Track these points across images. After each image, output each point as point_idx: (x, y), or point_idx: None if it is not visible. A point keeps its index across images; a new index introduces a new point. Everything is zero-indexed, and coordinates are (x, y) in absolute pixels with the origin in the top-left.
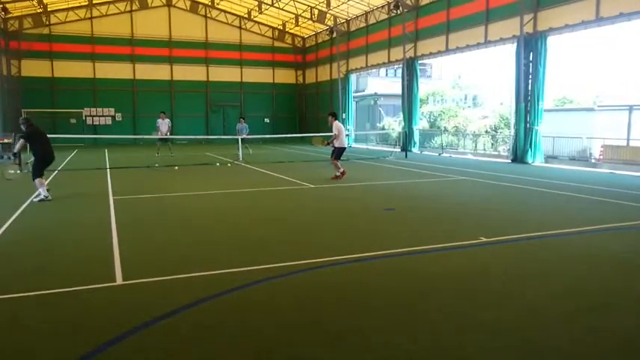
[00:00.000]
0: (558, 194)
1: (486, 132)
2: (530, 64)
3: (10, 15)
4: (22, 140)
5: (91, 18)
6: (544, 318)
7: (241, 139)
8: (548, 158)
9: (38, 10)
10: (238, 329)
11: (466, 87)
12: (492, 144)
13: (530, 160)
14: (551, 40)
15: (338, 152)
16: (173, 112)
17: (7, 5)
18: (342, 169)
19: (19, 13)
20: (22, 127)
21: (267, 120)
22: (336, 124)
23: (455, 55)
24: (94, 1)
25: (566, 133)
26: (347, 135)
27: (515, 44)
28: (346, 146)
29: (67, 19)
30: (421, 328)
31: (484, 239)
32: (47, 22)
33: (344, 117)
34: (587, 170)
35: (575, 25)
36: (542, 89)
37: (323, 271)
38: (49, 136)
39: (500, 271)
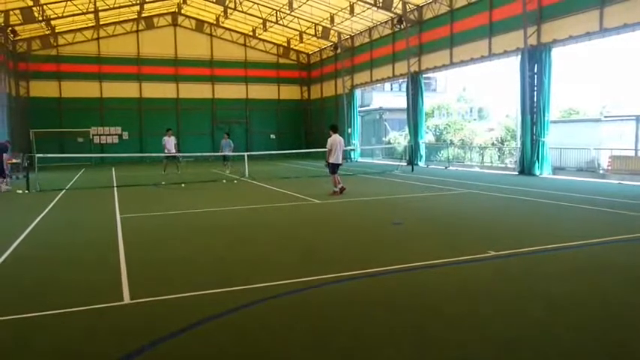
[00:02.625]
0: (567, 206)
1: (493, 144)
2: (535, 76)
3: (19, 37)
4: None
5: (98, 39)
6: (552, 333)
7: (225, 156)
8: (556, 170)
9: (46, 32)
10: (245, 348)
11: (471, 100)
12: (499, 156)
13: (537, 171)
14: (556, 52)
15: (332, 167)
16: (179, 129)
17: (17, 28)
18: (340, 185)
19: (28, 35)
20: None
21: (272, 136)
22: (330, 139)
23: (459, 68)
24: (100, 22)
25: (574, 144)
26: (352, 149)
27: (520, 57)
28: (340, 162)
29: (75, 40)
30: (430, 344)
31: (493, 253)
32: (55, 44)
33: (349, 132)
34: (596, 181)
35: (580, 37)
36: (547, 101)
37: (331, 288)
38: (57, 155)
39: (510, 285)
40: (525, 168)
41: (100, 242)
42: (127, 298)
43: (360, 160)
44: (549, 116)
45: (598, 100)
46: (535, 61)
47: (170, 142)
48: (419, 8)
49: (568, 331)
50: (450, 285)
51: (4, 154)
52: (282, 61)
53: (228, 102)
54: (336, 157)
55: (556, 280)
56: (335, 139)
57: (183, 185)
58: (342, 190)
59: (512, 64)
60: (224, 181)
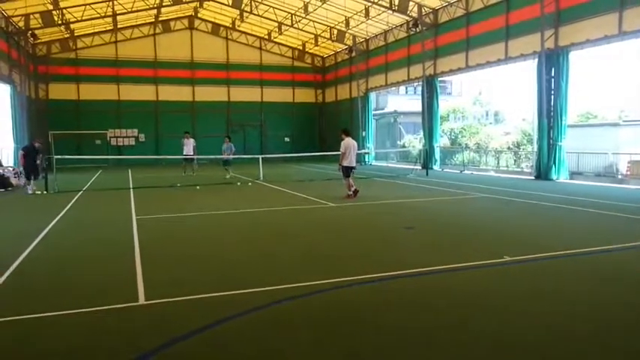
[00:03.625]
0: (584, 211)
1: (509, 148)
2: (552, 79)
3: (38, 40)
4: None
5: (116, 42)
6: (568, 339)
7: (225, 160)
8: (573, 174)
9: (65, 36)
10: (258, 350)
11: (487, 103)
12: (515, 160)
13: (554, 176)
14: (573, 55)
15: (345, 171)
16: (195, 132)
17: (37, 31)
18: (353, 188)
19: (48, 39)
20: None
21: (287, 139)
22: (344, 142)
23: (475, 71)
24: (118, 26)
25: (591, 148)
26: (367, 153)
27: (537, 60)
28: (353, 165)
29: (93, 44)
30: (446, 349)
31: (508, 258)
32: (74, 47)
33: (364, 135)
34: (614, 186)
35: (598, 40)
36: (564, 105)
37: (343, 291)
38: (74, 157)
39: (526, 290)
40: (542, 172)
41: (115, 243)
42: (142, 299)
43: (374, 163)
44: (566, 120)
45: (616, 104)
46: (552, 64)
47: (189, 145)
48: (434, 11)
49: (590, 338)
50: (466, 291)
51: (38, 155)
52: (297, 64)
53: (243, 105)
54: (349, 161)
55: (575, 286)
56: (348, 142)
57: (198, 187)
58: (355, 192)
59: (529, 68)
60: (239, 183)
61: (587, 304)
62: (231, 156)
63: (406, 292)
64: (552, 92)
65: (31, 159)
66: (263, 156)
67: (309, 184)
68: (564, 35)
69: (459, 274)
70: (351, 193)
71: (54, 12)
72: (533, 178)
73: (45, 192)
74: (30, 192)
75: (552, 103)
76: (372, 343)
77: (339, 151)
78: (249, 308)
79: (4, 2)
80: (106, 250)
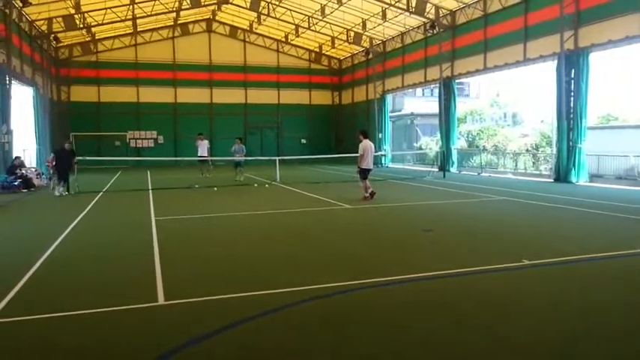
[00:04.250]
0: (605, 215)
1: (527, 151)
2: (572, 81)
3: (61, 44)
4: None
5: (136, 45)
6: (587, 344)
7: (237, 162)
8: (593, 177)
9: (87, 39)
10: (277, 351)
11: (505, 105)
12: (533, 163)
13: (573, 179)
14: (594, 56)
15: (362, 173)
16: (212, 134)
17: (59, 35)
18: (370, 190)
19: (69, 42)
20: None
21: (303, 141)
22: (362, 144)
23: (493, 73)
24: (138, 29)
25: (612, 151)
26: (383, 155)
27: (556, 61)
28: (371, 167)
29: (113, 47)
30: (463, 354)
31: (527, 262)
32: (95, 50)
33: (380, 137)
34: (636, 189)
35: (619, 41)
36: (584, 106)
37: (363, 293)
38: (95, 158)
39: (545, 295)
40: (561, 175)
41: (135, 243)
42: (161, 299)
43: (390, 165)
44: (586, 122)
45: (638, 106)
46: (572, 65)
47: (203, 146)
48: (452, 13)
49: (602, 341)
50: (484, 295)
51: (74, 158)
52: (313, 66)
53: (260, 107)
54: (367, 163)
55: (594, 291)
56: (366, 144)
57: (215, 189)
58: (372, 194)
59: (549, 69)
60: (255, 185)
61: (609, 308)
62: (242, 158)
63: (426, 294)
64: (572, 94)
65: (64, 161)
66: (279, 158)
67: (325, 185)
68: (584, 36)
69: (477, 278)
70: (368, 195)
71: (76, 16)
72: (552, 180)
73: (66, 193)
74: (57, 194)
75: (572, 105)
76: (393, 345)
77: (355, 153)
78: (268, 309)
79: (27, 6)
80: (126, 251)
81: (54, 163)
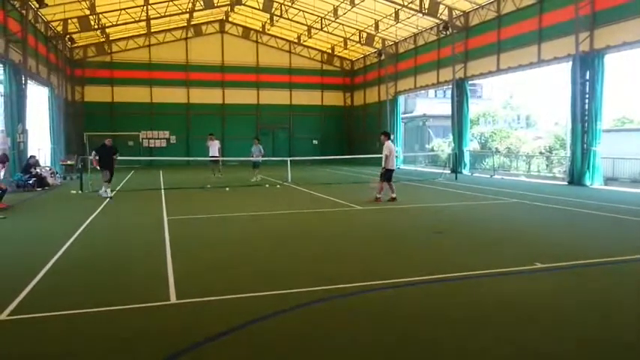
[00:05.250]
0: (619, 218)
1: (540, 153)
2: (587, 83)
3: (75, 45)
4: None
5: (149, 46)
6: (605, 350)
7: (254, 162)
8: (608, 180)
9: (101, 40)
10: (289, 351)
11: (518, 107)
12: (547, 165)
13: (588, 182)
14: (609, 58)
15: (385, 174)
16: (224, 134)
17: (74, 36)
18: (380, 196)
19: (84, 43)
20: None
21: (315, 142)
22: (387, 145)
23: (506, 75)
24: (152, 30)
25: (627, 154)
26: (396, 156)
27: (571, 63)
28: (394, 168)
29: (127, 47)
30: (476, 358)
31: (540, 265)
32: (109, 51)
33: (392, 138)
34: None
35: (635, 43)
36: (599, 109)
37: (370, 295)
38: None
39: (558, 298)
40: (575, 178)
41: (147, 243)
42: (173, 298)
43: (402, 167)
44: (601, 125)
45: None
46: (587, 67)
47: (214, 146)
48: (465, 14)
49: (620, 349)
50: (497, 298)
51: (116, 154)
52: (325, 67)
53: (272, 108)
54: (389, 163)
55: (607, 293)
56: (390, 145)
57: (227, 189)
58: (393, 199)
59: (563, 71)
60: (267, 185)
61: (624, 313)
62: (260, 158)
63: (436, 297)
64: (587, 96)
65: (108, 158)
66: (291, 158)
67: (337, 187)
68: (600, 38)
69: (489, 280)
70: (380, 196)
71: (90, 17)
72: (566, 183)
73: (80, 192)
74: (104, 195)
75: (587, 107)
76: (405, 352)
77: (368, 154)
78: (279, 309)
79: (43, 7)
80: (138, 250)
81: (97, 158)
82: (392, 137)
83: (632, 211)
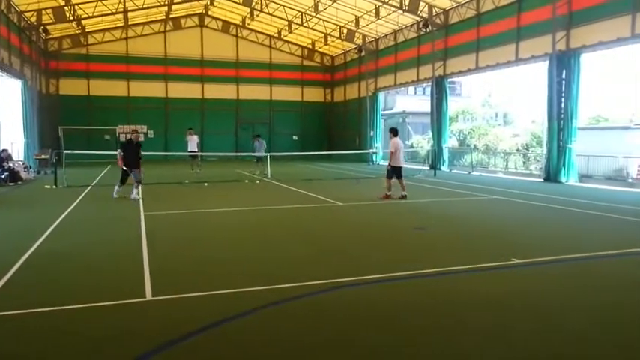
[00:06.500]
0: (594, 215)
1: (518, 150)
2: (563, 81)
3: (50, 36)
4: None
5: (127, 38)
6: (577, 342)
7: (258, 157)
8: (583, 177)
9: (77, 32)
10: (266, 348)
11: (496, 105)
12: (524, 162)
13: (563, 179)
14: (585, 57)
15: (392, 171)
16: (203, 129)
17: (48, 27)
18: (390, 193)
19: (59, 34)
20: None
21: (295, 137)
22: (392, 142)
23: (485, 73)
24: (129, 22)
25: (601, 151)
26: (374, 153)
27: (548, 62)
28: (401, 165)
29: (104, 40)
30: (451, 353)
31: (516, 261)
32: (85, 43)
33: (372, 135)
34: (624, 190)
35: (610, 43)
36: (575, 107)
37: (348, 291)
38: (84, 152)
39: (534, 294)
40: (551, 175)
41: (123, 239)
42: (149, 295)
43: (381, 163)
44: (577, 123)
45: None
46: (563, 66)
47: (193, 141)
48: (445, 12)
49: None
50: (473, 294)
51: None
52: (306, 63)
53: (252, 103)
54: (398, 161)
55: (582, 288)
56: (397, 142)
57: (206, 184)
58: (403, 197)
59: (540, 70)
60: (246, 181)
61: (595, 308)
62: (262, 153)
63: (416, 293)
64: (563, 94)
65: (134, 156)
66: (271, 154)
67: (317, 182)
68: (576, 37)
69: (467, 276)
70: (391, 193)
71: (66, 8)
72: (542, 180)
73: (54, 187)
74: (137, 197)
75: (563, 106)
76: (387, 343)
77: (348, 150)
78: (256, 306)
79: None
80: (113, 246)
81: (122, 154)
82: (371, 134)
83: (605, 208)
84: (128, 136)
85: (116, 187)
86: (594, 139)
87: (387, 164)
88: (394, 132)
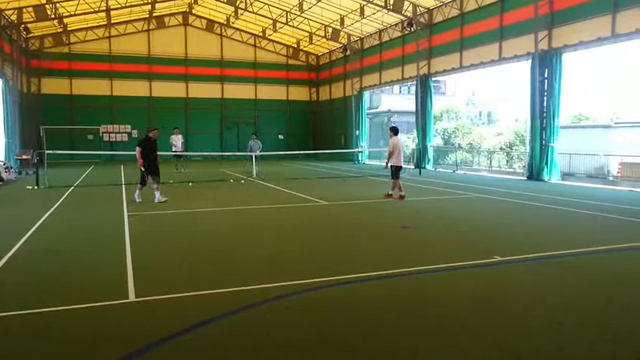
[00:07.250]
0: (575, 212)
1: (501, 149)
2: (546, 80)
3: (31, 34)
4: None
5: (109, 37)
6: (560, 338)
7: (255, 156)
8: (565, 175)
9: (59, 30)
10: (250, 349)
11: (480, 104)
12: (507, 161)
13: (546, 177)
14: (567, 57)
15: (394, 171)
16: (188, 128)
17: (29, 25)
18: (395, 191)
19: (40, 33)
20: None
21: (280, 137)
22: (392, 140)
23: (469, 72)
24: (112, 21)
25: (583, 150)
26: (360, 152)
27: (530, 61)
28: (402, 165)
29: (86, 38)
30: (438, 350)
31: (499, 258)
32: (67, 42)
33: (357, 133)
34: (606, 188)
35: (591, 42)
36: (557, 106)
37: (334, 290)
38: (66, 152)
39: (516, 291)
40: (534, 173)
41: (106, 240)
42: (132, 296)
43: (367, 162)
44: (559, 121)
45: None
46: (546, 65)
47: (178, 141)
48: (429, 11)
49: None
50: (457, 291)
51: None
52: (291, 62)
53: (237, 102)
54: (397, 160)
55: (567, 287)
56: (396, 141)
57: (190, 184)
58: (401, 197)
59: (523, 69)
60: (231, 180)
61: (579, 305)
62: (259, 152)
63: (400, 291)
64: (545, 93)
65: (152, 154)
66: (256, 153)
67: (303, 181)
68: (558, 37)
69: (450, 274)
70: (404, 193)
71: (47, 6)
72: (525, 178)
73: (36, 187)
74: (156, 201)
75: (545, 104)
76: (369, 344)
77: (332, 149)
78: (240, 306)
79: None
80: (96, 246)
81: (142, 152)
82: (357, 133)
83: (587, 205)
84: (112, 136)
85: (137, 190)
86: (576, 137)
87: (388, 164)
88: (394, 130)
